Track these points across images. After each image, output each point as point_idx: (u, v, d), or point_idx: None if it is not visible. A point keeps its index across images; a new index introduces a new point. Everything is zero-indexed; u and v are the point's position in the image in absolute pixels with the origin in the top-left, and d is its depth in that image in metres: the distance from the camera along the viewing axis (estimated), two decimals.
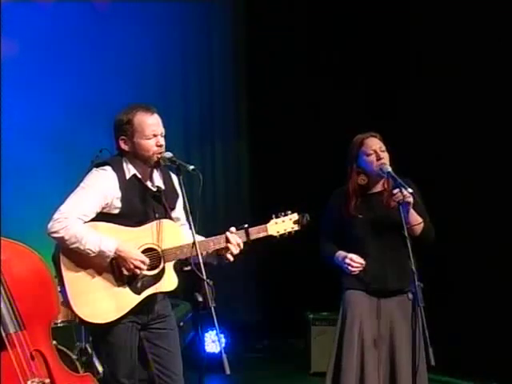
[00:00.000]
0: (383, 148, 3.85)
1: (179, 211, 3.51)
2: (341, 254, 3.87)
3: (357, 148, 3.87)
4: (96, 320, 3.27)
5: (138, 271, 3.26)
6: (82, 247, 3.20)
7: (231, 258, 3.38)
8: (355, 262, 3.80)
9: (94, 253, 3.22)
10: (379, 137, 3.89)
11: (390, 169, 3.78)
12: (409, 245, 3.56)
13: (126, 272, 3.26)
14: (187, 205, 3.22)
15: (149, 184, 3.42)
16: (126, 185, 3.34)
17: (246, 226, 3.40)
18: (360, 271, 3.83)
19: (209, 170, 7.32)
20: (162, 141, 3.36)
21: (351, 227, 3.87)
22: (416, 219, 3.78)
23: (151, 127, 3.33)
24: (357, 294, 3.87)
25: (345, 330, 3.85)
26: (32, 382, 3.09)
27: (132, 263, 3.24)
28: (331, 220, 3.95)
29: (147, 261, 3.28)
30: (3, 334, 3.09)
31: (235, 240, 3.35)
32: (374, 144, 3.85)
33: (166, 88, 7.02)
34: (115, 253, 3.23)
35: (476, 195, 5.84)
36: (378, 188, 3.91)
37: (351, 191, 3.88)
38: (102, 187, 3.30)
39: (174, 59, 7.13)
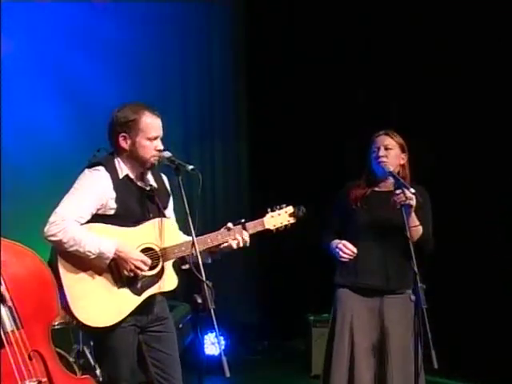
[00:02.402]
0: (390, 146, 3.83)
1: (170, 211, 3.50)
2: (336, 241, 3.84)
3: (370, 144, 3.89)
4: (97, 324, 3.23)
5: (139, 272, 3.23)
6: (81, 249, 3.17)
7: (234, 246, 3.36)
8: (347, 248, 3.76)
9: (93, 254, 3.18)
10: (392, 134, 3.87)
11: (391, 168, 3.76)
12: (411, 246, 3.53)
13: (126, 273, 3.23)
14: (186, 205, 3.19)
15: (141, 184, 3.40)
16: (119, 185, 3.31)
17: (243, 220, 3.40)
18: (356, 266, 3.79)
19: (208, 169, 7.30)
20: (161, 145, 3.34)
21: (352, 218, 3.84)
22: (414, 221, 3.75)
23: (155, 129, 3.33)
24: (349, 293, 3.84)
25: (335, 329, 3.83)
26: (29, 381, 3.07)
27: (133, 264, 3.21)
28: (337, 209, 3.94)
29: (148, 261, 3.25)
30: (1, 333, 3.06)
31: (244, 237, 3.35)
32: (380, 142, 3.84)
33: (165, 88, 6.99)
34: (115, 254, 3.20)
35: (476, 195, 5.83)
36: (387, 187, 3.88)
37: (362, 183, 3.90)
38: (96, 188, 3.27)
39: (173, 59, 7.12)
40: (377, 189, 3.90)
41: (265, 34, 7.16)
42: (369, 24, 6.56)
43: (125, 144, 3.34)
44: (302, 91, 6.91)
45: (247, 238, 3.37)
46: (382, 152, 3.80)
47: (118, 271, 3.25)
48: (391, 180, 3.84)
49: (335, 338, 3.81)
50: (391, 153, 3.81)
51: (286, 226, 3.47)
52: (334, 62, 6.76)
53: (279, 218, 3.45)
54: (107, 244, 3.20)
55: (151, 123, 3.32)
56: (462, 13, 5.93)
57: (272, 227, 3.44)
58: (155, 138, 3.32)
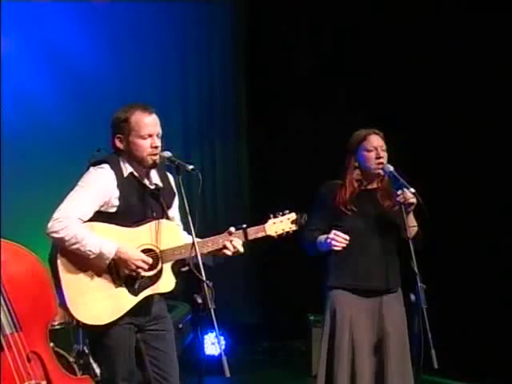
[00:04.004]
0: (384, 147, 3.82)
1: (174, 210, 3.50)
2: (323, 236, 3.76)
3: (358, 142, 3.83)
4: (93, 322, 3.24)
5: (140, 271, 3.23)
6: (82, 248, 3.17)
7: (229, 253, 3.35)
8: (339, 236, 3.67)
9: (94, 254, 3.18)
10: (382, 135, 3.85)
11: (392, 168, 3.75)
12: (411, 245, 3.53)
13: (127, 272, 3.23)
14: (186, 205, 3.19)
15: (146, 182, 3.39)
16: (123, 183, 3.31)
17: (245, 226, 3.38)
18: (353, 269, 3.77)
19: (208, 169, 7.29)
20: (158, 142, 3.33)
21: (342, 221, 3.79)
22: (412, 221, 3.74)
23: (148, 127, 3.31)
24: (346, 294, 3.81)
25: (335, 331, 3.80)
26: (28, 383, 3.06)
27: (133, 263, 3.21)
28: (320, 212, 3.85)
29: (149, 260, 3.25)
30: (1, 336, 3.06)
31: (234, 244, 3.32)
32: (376, 141, 3.81)
33: (165, 88, 7.00)
34: (115, 255, 3.20)
35: (476, 195, 5.83)
36: (373, 185, 3.87)
37: (347, 184, 3.83)
38: (100, 186, 3.27)
39: (173, 59, 7.12)
40: (364, 188, 3.86)
41: (265, 33, 7.15)
42: (370, 23, 6.56)
43: (121, 145, 3.34)
44: (302, 91, 6.91)
45: (240, 248, 3.34)
46: (381, 153, 3.79)
47: (116, 271, 3.25)
48: (377, 178, 3.83)
49: (336, 337, 3.79)
50: (385, 154, 3.81)
51: (287, 232, 3.44)
52: (333, 61, 6.76)
53: (281, 224, 3.43)
54: (108, 245, 3.20)
55: (143, 121, 3.30)
56: (462, 13, 5.94)
57: (273, 234, 3.42)
58: (150, 136, 3.30)
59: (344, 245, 3.69)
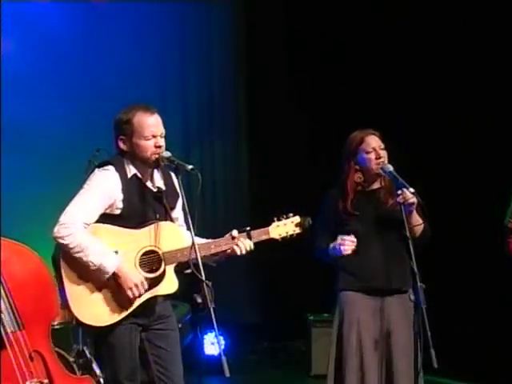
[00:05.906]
0: (382, 146, 3.81)
1: (178, 211, 3.48)
2: (333, 244, 3.74)
3: (356, 145, 3.81)
4: (95, 323, 3.24)
5: (135, 293, 3.21)
6: (84, 258, 3.18)
7: (238, 253, 3.34)
8: (346, 239, 3.66)
9: (94, 266, 3.19)
10: (379, 134, 3.84)
11: (391, 168, 3.75)
12: (411, 245, 3.52)
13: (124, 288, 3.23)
14: (186, 205, 3.19)
15: (149, 184, 3.39)
16: (127, 185, 3.31)
17: (248, 228, 3.37)
18: (357, 271, 3.77)
19: (208, 169, 7.29)
20: (162, 142, 3.32)
21: (348, 225, 3.78)
22: (417, 220, 3.73)
23: (150, 128, 3.30)
24: (353, 295, 3.81)
25: (343, 331, 3.80)
26: (31, 382, 3.08)
27: (128, 286, 3.21)
28: (326, 220, 3.84)
29: (145, 285, 3.23)
30: (3, 333, 3.07)
31: (246, 244, 3.33)
32: (374, 142, 3.80)
33: (165, 88, 7.00)
34: (115, 272, 3.20)
35: (476, 195, 5.83)
36: (375, 186, 3.86)
37: (349, 188, 3.82)
38: (106, 189, 3.28)
39: (173, 59, 7.13)
40: (365, 189, 3.85)
41: (264, 33, 7.15)
42: (369, 24, 6.56)
43: (124, 146, 3.34)
44: (302, 91, 6.91)
45: (252, 245, 3.34)
46: (381, 153, 3.78)
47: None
48: (380, 177, 3.83)
49: (344, 338, 3.78)
50: (385, 153, 3.80)
51: (291, 235, 3.43)
52: (333, 62, 6.76)
53: (285, 227, 3.41)
54: (109, 260, 3.19)
55: (145, 122, 3.30)
56: (461, 12, 5.95)
57: (277, 236, 3.40)
58: (154, 137, 3.30)
59: (353, 247, 3.68)
